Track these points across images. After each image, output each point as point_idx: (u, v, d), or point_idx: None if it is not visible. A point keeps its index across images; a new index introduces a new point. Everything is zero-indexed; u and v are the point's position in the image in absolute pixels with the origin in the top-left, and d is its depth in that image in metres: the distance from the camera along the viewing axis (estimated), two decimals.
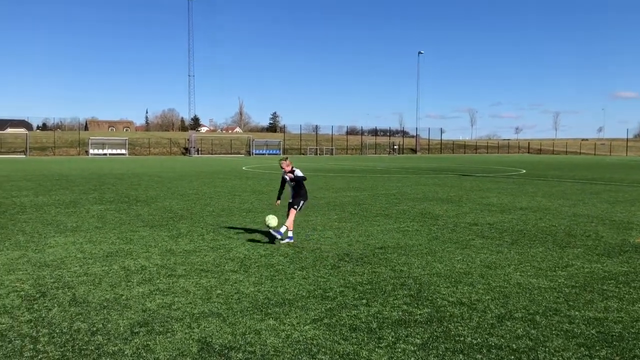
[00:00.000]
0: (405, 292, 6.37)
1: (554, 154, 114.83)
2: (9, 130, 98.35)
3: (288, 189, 9.73)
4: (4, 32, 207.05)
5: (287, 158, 9.71)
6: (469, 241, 9.66)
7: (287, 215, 9.35)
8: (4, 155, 72.61)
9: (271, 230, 9.01)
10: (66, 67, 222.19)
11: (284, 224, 9.22)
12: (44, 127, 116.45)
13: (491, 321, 5.36)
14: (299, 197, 9.45)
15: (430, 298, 6.13)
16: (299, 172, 9.44)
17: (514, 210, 14.01)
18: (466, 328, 5.16)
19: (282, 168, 9.53)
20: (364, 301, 5.99)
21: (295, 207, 9.35)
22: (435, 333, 5.02)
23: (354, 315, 5.51)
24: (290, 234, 9.31)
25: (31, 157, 68.63)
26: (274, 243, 9.16)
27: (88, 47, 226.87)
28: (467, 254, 8.58)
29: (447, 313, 5.60)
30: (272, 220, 8.93)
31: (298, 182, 9.39)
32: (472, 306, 5.84)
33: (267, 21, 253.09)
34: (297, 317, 5.44)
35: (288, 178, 9.42)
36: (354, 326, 5.19)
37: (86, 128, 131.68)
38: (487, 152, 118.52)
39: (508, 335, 4.98)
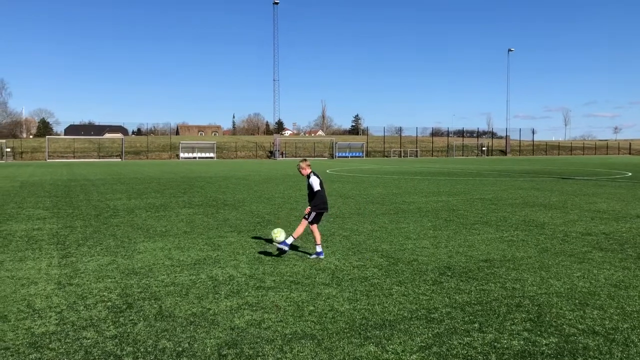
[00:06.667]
0: (523, 315, 5.53)
1: None
2: (107, 136, 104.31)
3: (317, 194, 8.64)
4: (105, 46, 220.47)
5: (305, 160, 8.81)
6: (585, 254, 8.58)
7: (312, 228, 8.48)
8: (102, 159, 76.85)
9: (277, 245, 8.16)
10: (159, 75, 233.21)
11: (291, 235, 8.36)
12: (138, 132, 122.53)
13: (638, 358, 4.44)
14: (313, 207, 8.42)
15: (554, 324, 5.26)
16: (314, 182, 8.49)
17: (629, 219, 12.57)
18: None
19: (300, 172, 8.75)
20: (476, 325, 5.22)
21: (306, 217, 8.38)
22: None
23: (467, 343, 4.76)
24: (318, 248, 8.32)
25: (126, 161, 72.12)
26: (280, 256, 8.38)
27: (180, 56, 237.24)
28: (586, 269, 7.55)
29: (580, 345, 4.73)
30: (279, 234, 8.17)
31: (311, 191, 8.52)
32: (609, 337, 4.92)
33: (348, 22, 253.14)
34: (401, 343, 4.77)
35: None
36: (470, 357, 4.44)
37: (177, 133, 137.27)
38: (584, 154, 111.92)
39: None
